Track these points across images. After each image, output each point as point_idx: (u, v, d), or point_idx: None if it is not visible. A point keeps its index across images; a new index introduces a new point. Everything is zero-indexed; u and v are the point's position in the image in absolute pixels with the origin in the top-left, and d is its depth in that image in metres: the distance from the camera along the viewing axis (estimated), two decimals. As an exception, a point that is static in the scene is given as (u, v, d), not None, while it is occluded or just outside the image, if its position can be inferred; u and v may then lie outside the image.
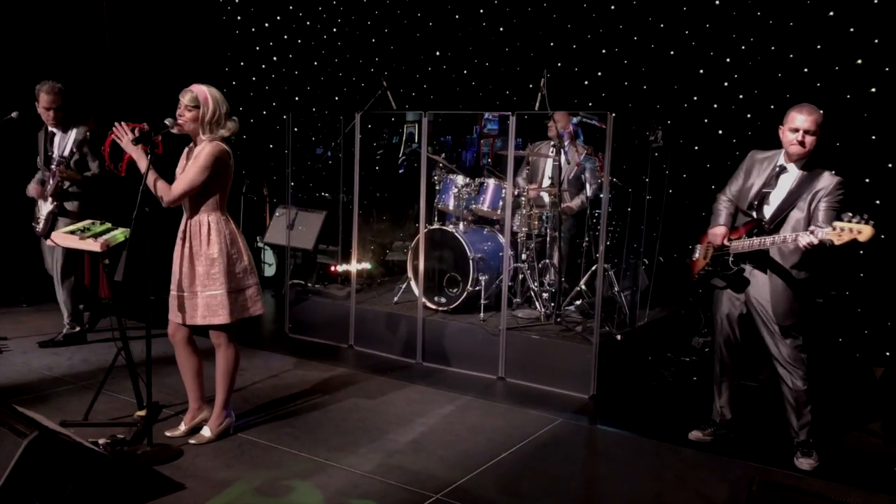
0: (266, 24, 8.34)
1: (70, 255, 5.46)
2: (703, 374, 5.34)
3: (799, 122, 3.68)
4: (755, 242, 3.72)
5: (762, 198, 3.83)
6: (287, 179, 6.27)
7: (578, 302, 5.74)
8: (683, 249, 6.58)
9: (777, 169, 3.83)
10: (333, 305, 6.09)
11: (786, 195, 3.76)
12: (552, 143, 5.73)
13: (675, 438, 4.17)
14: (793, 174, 3.78)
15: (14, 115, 5.31)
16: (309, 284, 6.62)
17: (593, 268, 5.67)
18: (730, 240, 3.88)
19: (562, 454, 3.96)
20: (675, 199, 6.43)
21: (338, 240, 6.78)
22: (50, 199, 5.35)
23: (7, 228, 6.80)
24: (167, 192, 3.63)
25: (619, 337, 5.22)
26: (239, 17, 8.41)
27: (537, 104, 5.35)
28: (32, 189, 5.47)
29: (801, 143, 3.68)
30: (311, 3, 8.09)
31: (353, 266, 5.99)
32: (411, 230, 7.52)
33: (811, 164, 3.75)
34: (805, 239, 3.44)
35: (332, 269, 6.76)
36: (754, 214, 3.84)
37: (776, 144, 3.89)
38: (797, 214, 3.71)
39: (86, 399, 4.28)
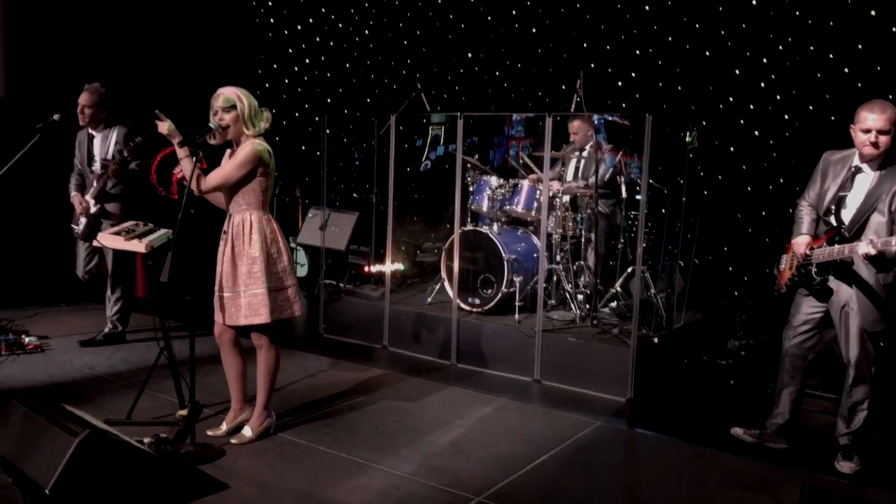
0: (298, 27, 8.40)
1: (121, 257, 5.52)
2: (740, 377, 5.29)
3: (871, 122, 3.50)
4: (835, 251, 3.58)
5: (839, 202, 3.68)
6: (322, 181, 6.30)
7: (614, 304, 5.71)
8: (719, 251, 6.57)
9: (853, 170, 3.66)
10: (367, 306, 6.12)
11: (864, 198, 3.59)
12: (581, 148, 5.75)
13: (716, 443, 4.13)
14: (869, 175, 3.61)
15: (56, 117, 5.37)
16: (341, 285, 6.65)
17: (629, 269, 5.64)
18: (812, 248, 3.74)
19: (602, 457, 3.94)
20: (710, 200, 6.37)
21: (369, 241, 6.81)
22: (93, 202, 5.41)
23: (46, 229, 6.91)
24: (202, 182, 3.67)
25: (656, 340, 5.18)
26: (272, 20, 8.48)
27: (573, 106, 5.33)
28: (75, 199, 5.53)
29: (875, 145, 3.51)
30: (344, 6, 8.13)
31: (388, 266, 6.00)
32: (443, 232, 7.53)
33: (888, 162, 3.57)
34: (863, 250, 3.34)
35: (366, 269, 6.78)
36: (832, 220, 3.69)
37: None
38: (878, 218, 3.55)
39: (127, 398, 4.34)
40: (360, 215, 7.08)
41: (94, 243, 3.88)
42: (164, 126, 3.65)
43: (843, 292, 3.70)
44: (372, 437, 4.07)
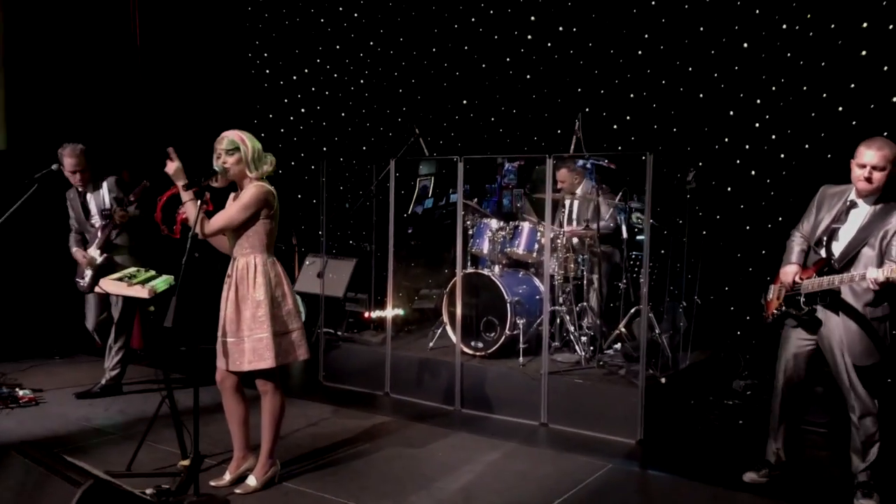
0: (294, 77, 8.48)
1: (128, 307, 5.46)
2: (748, 417, 5.22)
3: (867, 158, 3.55)
4: (824, 281, 3.59)
5: (831, 234, 3.70)
6: (322, 226, 6.28)
7: (618, 345, 5.65)
8: (720, 291, 6.55)
9: (848, 204, 3.70)
10: (367, 352, 6.04)
11: (856, 232, 3.62)
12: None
13: (730, 483, 4.04)
14: (864, 210, 3.65)
15: (54, 167, 5.38)
16: (339, 333, 6.58)
17: (632, 310, 5.61)
18: (801, 279, 3.75)
19: (617, 500, 3.85)
20: (710, 240, 6.38)
21: (366, 288, 6.76)
22: (98, 253, 5.36)
23: (40, 282, 6.83)
24: (206, 225, 3.63)
25: (663, 380, 5.12)
26: (267, 71, 8.57)
27: (572, 147, 5.36)
28: (78, 254, 5.48)
29: (868, 180, 3.55)
30: (339, 56, 8.23)
31: (389, 312, 5.94)
32: (440, 277, 7.50)
33: (883, 199, 3.62)
34: (873, 275, 3.35)
35: (366, 315, 6.71)
36: (822, 252, 3.72)
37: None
38: (868, 252, 3.57)
39: (126, 449, 4.23)
40: (358, 262, 7.04)
41: (97, 289, 3.82)
42: (173, 166, 3.62)
43: (832, 322, 3.70)
44: (379, 484, 3.96)
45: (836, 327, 3.68)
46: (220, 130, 3.78)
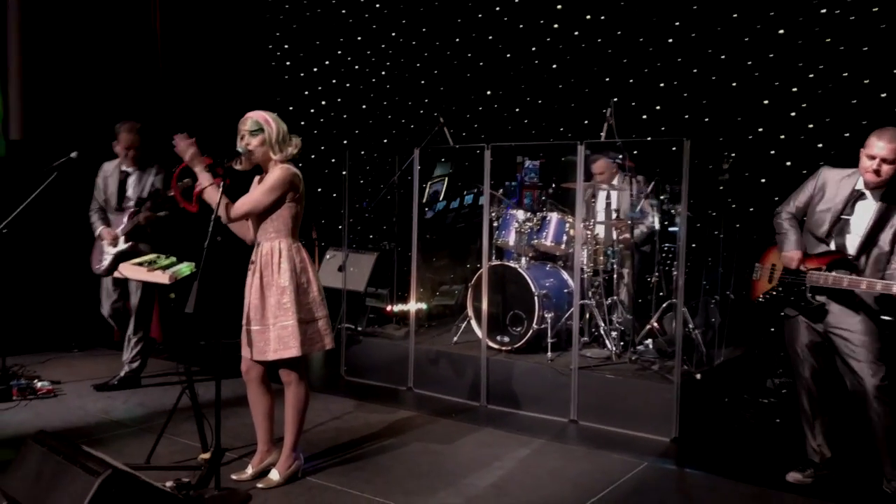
0: (314, 69, 8.37)
1: (148, 296, 5.35)
2: (784, 415, 5.02)
3: (877, 150, 3.40)
4: (843, 281, 3.44)
5: (842, 225, 3.56)
6: (344, 219, 6.14)
7: (649, 341, 5.47)
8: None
9: (855, 194, 3.55)
10: (390, 346, 5.90)
11: (870, 227, 3.49)
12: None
13: (772, 483, 3.86)
14: (871, 203, 3.52)
15: (73, 154, 5.29)
16: (359, 328, 6.44)
17: (664, 304, 5.43)
18: (805, 268, 3.60)
19: (655, 499, 3.68)
20: (742, 233, 6.18)
21: (387, 282, 6.63)
22: (123, 239, 5.24)
23: (58, 274, 6.75)
24: (230, 209, 3.50)
25: (698, 376, 4.94)
26: (288, 63, 8.46)
27: (603, 134, 5.19)
28: (106, 233, 5.34)
29: (877, 172, 3.41)
30: (360, 48, 8.10)
31: (412, 306, 5.80)
32: (462, 272, 7.35)
33: (890, 192, 3.48)
34: None
35: (388, 309, 6.58)
36: (831, 244, 3.58)
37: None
38: (876, 251, 3.47)
39: (145, 442, 4.11)
40: (379, 255, 6.91)
41: (116, 274, 3.70)
42: (188, 153, 3.47)
43: (839, 313, 3.56)
44: (406, 480, 3.81)
45: (846, 317, 3.54)
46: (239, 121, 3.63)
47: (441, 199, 7.78)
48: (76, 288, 6.74)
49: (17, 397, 5.01)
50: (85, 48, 6.99)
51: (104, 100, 7.03)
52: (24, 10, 6.81)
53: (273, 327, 3.52)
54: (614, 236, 5.46)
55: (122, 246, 5.25)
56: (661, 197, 5.39)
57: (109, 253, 5.29)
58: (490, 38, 7.34)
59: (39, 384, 5.20)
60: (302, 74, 8.43)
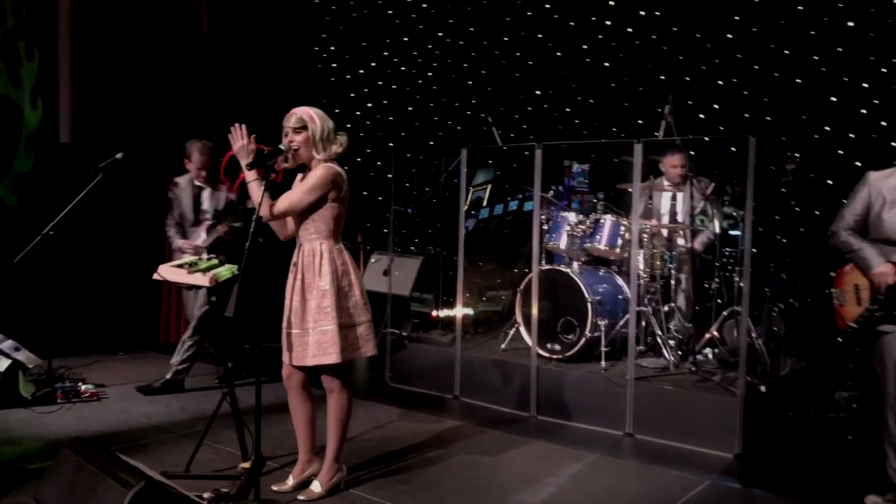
0: (360, 71, 8.27)
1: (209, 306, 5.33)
2: (857, 432, 4.69)
3: None
4: None
5: None
6: (390, 222, 6.00)
7: (707, 350, 5.19)
8: (818, 294, 6.00)
9: None
10: (435, 353, 5.72)
11: None
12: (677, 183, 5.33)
13: (849, 506, 3.57)
14: None
15: (119, 156, 5.24)
16: (404, 333, 6.29)
17: (724, 312, 5.14)
18: None
19: (720, 522, 3.42)
20: (807, 238, 5.85)
21: (432, 287, 6.46)
22: (205, 252, 5.16)
23: (105, 276, 6.74)
24: (270, 208, 3.37)
25: (763, 389, 4.65)
26: (334, 65, 8.37)
27: (661, 132, 4.95)
28: (186, 245, 5.29)
29: None
30: (407, 48, 7.98)
31: (459, 311, 5.61)
32: (510, 276, 7.15)
33: None
34: None
35: (433, 314, 6.41)
36: None
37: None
38: None
39: (185, 448, 4.01)
40: (424, 259, 6.75)
41: (155, 276, 3.59)
42: (238, 143, 3.36)
43: None
44: (454, 495, 3.62)
45: None
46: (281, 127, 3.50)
47: (484, 205, 7.61)
48: (123, 291, 6.74)
49: (62, 400, 4.97)
50: (134, 50, 6.99)
51: (153, 101, 7.02)
52: (76, 12, 6.85)
53: (313, 332, 3.37)
54: (678, 241, 5.19)
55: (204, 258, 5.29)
56: (724, 198, 5.11)
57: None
58: (540, 36, 7.14)
59: (83, 387, 5.16)
60: (348, 76, 8.34)
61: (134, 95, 6.96)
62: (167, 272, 3.55)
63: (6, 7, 6.44)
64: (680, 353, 5.07)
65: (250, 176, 3.35)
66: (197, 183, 5.43)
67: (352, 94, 8.34)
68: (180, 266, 3.58)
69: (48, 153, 6.65)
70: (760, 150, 5.45)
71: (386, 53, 8.11)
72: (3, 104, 6.49)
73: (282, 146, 3.38)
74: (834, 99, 5.76)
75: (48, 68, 6.66)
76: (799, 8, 5.81)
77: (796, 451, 4.47)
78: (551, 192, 5.94)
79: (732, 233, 5.37)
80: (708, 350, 5.19)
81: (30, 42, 6.61)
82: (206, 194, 5.41)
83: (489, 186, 7.56)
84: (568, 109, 7.07)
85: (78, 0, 6.85)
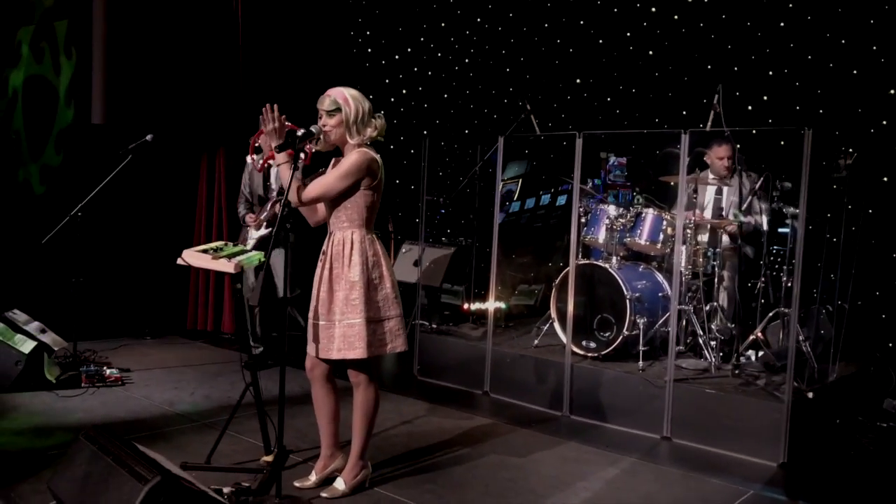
0: (396, 57, 8.10)
1: (267, 285, 5.35)
2: (909, 444, 4.45)
3: None
4: None
5: None
6: (422, 212, 5.83)
7: (750, 352, 4.96)
8: (870, 296, 5.73)
9: None
10: (465, 347, 5.56)
11: None
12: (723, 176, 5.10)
13: (904, 525, 3.35)
14: None
15: (148, 137, 5.18)
16: (433, 325, 6.14)
17: (770, 314, 4.91)
18: None
19: (766, 537, 3.22)
20: (859, 237, 5.57)
21: (463, 279, 6.30)
22: (264, 225, 5.44)
23: (134, 257, 6.69)
24: (300, 193, 3.23)
25: (810, 395, 4.42)
26: (369, 50, 8.22)
27: (709, 122, 4.71)
28: (249, 218, 5.57)
29: None
30: (444, 34, 7.79)
31: (491, 304, 5.44)
32: (544, 270, 6.96)
33: None
34: None
35: (464, 307, 6.24)
36: None
37: None
38: None
39: (207, 438, 3.91)
40: (456, 251, 6.58)
41: (179, 261, 3.48)
42: (270, 125, 3.22)
43: None
44: (483, 498, 3.47)
45: None
46: (317, 111, 3.34)
47: (515, 199, 7.42)
48: (151, 274, 6.69)
49: (86, 384, 4.91)
50: (167, 30, 6.90)
51: (185, 82, 6.93)
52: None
53: (339, 324, 3.23)
54: (723, 237, 4.96)
55: (263, 231, 5.44)
56: (773, 193, 4.86)
57: (252, 237, 5.48)
58: (581, 22, 6.90)
59: (108, 371, 5.10)
60: (383, 62, 8.18)
61: (166, 76, 6.88)
62: (191, 257, 3.43)
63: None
64: (721, 354, 4.85)
65: (280, 158, 3.22)
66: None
67: (386, 80, 8.18)
68: (205, 251, 3.46)
69: (79, 140, 6.60)
70: (813, 144, 5.19)
71: (422, 39, 7.93)
72: (42, 86, 6.46)
73: (313, 128, 3.23)
74: (893, 91, 5.46)
75: (84, 65, 6.59)
76: (858, -5, 5.52)
77: (844, 461, 4.24)
78: (589, 184, 5.73)
79: (781, 230, 5.12)
80: (751, 352, 4.97)
81: (70, 32, 6.54)
82: (274, 172, 5.39)
83: (520, 180, 7.37)
84: (609, 99, 6.83)
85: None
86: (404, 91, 8.11)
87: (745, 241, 5.12)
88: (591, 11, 6.83)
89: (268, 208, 5.48)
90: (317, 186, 3.23)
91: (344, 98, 3.27)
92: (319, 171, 3.50)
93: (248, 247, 5.42)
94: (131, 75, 6.72)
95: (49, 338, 5.06)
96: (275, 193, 5.48)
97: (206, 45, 7.05)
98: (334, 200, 3.27)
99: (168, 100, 6.82)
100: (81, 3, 6.55)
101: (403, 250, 6.99)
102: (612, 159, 6.77)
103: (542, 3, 7.09)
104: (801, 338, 4.77)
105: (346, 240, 3.26)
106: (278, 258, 5.21)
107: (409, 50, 8.04)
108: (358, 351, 3.23)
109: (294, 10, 7.71)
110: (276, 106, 3.22)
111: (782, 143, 5.86)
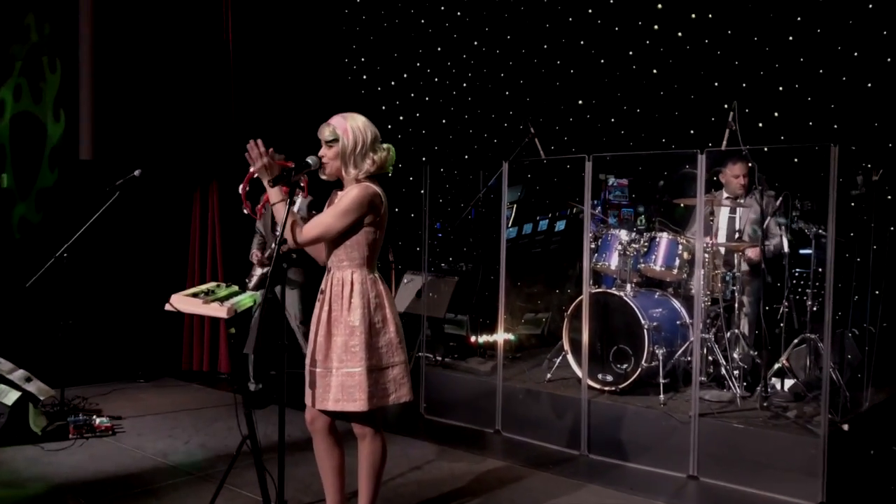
0: (392, 83, 7.92)
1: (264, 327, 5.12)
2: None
3: None
4: None
5: None
6: (424, 241, 5.59)
7: (773, 381, 4.69)
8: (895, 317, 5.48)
9: None
10: (474, 382, 5.30)
11: None
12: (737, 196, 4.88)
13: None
14: None
15: (136, 173, 4.96)
16: (438, 358, 5.88)
17: (795, 340, 4.65)
18: None
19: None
20: (882, 256, 5.33)
21: (466, 308, 6.05)
22: (266, 263, 5.37)
23: (125, 297, 6.42)
24: (297, 233, 2.98)
25: (846, 427, 4.15)
26: (364, 77, 8.03)
27: (724, 141, 4.50)
28: (254, 255, 5.55)
29: None
30: (440, 59, 7.61)
31: (500, 336, 5.18)
32: (550, 298, 6.73)
33: None
34: None
35: (471, 340, 5.98)
36: None
37: None
38: None
39: (203, 494, 3.64)
40: (459, 280, 6.34)
41: (167, 307, 3.23)
42: (259, 163, 2.96)
43: None
44: (503, 554, 3.19)
45: None
46: (314, 141, 3.10)
47: (510, 225, 7.21)
48: (143, 314, 6.41)
49: (74, 435, 4.63)
50: (156, 65, 6.71)
51: (175, 117, 6.73)
52: (97, 27, 6.59)
53: (336, 373, 2.96)
54: (738, 261, 4.73)
55: (262, 270, 5.41)
56: (793, 214, 4.63)
57: (255, 274, 5.48)
58: (582, 42, 6.73)
59: (98, 420, 4.81)
60: (379, 88, 7.99)
61: (156, 111, 6.67)
62: (180, 302, 3.17)
63: (30, 24, 6.21)
64: (745, 384, 4.59)
65: (273, 196, 2.97)
66: None
67: (383, 107, 7.99)
68: (195, 295, 3.21)
69: (70, 168, 6.38)
70: (828, 160, 4.97)
71: (419, 64, 7.75)
72: (25, 121, 6.24)
73: (310, 160, 2.99)
74: (911, 104, 5.27)
75: (70, 79, 6.40)
76: (869, 6, 5.34)
77: (885, 498, 3.96)
78: (598, 208, 5.52)
79: (803, 251, 4.89)
80: (775, 380, 4.71)
81: (52, 55, 6.36)
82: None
83: (515, 206, 7.18)
84: (613, 120, 6.64)
85: (100, 15, 6.59)
86: (402, 117, 7.92)
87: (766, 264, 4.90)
88: (592, 31, 6.66)
89: (273, 245, 5.27)
90: (315, 226, 2.98)
91: (344, 129, 3.03)
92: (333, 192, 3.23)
93: (251, 283, 5.42)
94: (120, 109, 6.52)
95: (34, 386, 4.78)
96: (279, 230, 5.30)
97: (197, 76, 6.86)
98: (335, 239, 3.02)
99: (159, 133, 6.62)
100: (68, 35, 6.36)
101: (405, 280, 6.74)
102: (612, 180, 6.57)
103: (540, 24, 6.93)
104: (831, 365, 4.52)
105: (346, 280, 3.01)
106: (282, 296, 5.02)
107: (405, 75, 7.86)
108: (358, 403, 2.95)
109: (287, 39, 7.53)
110: (260, 140, 2.97)
111: (796, 160, 5.66)
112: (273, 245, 5.24)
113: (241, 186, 3.14)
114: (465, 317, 6.32)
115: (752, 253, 4.83)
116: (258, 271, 5.49)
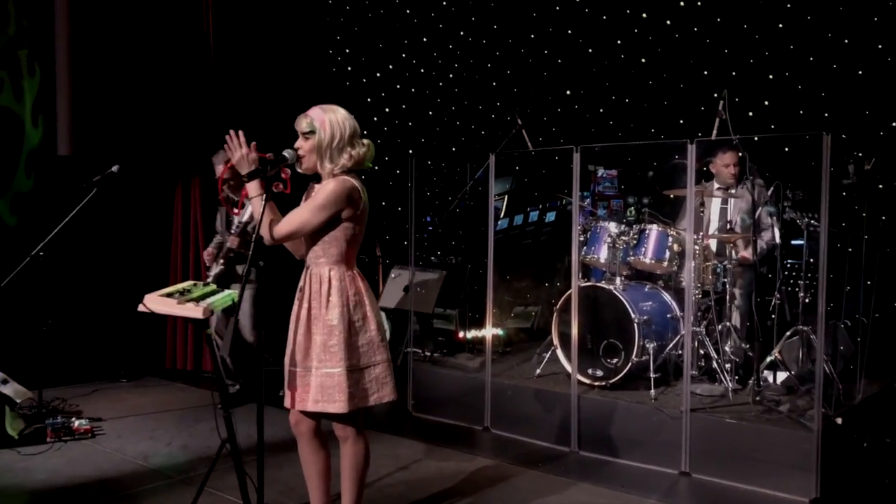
0: (378, 74, 7.79)
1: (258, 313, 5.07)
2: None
3: None
4: None
5: None
6: (410, 235, 5.49)
7: (766, 374, 4.63)
8: (888, 308, 5.43)
9: None
10: (462, 378, 5.21)
11: None
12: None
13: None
14: None
15: (114, 168, 4.80)
16: (426, 353, 5.79)
17: (787, 332, 4.59)
18: None
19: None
20: (873, 246, 5.27)
21: (455, 302, 5.97)
22: (221, 262, 5.13)
23: (107, 297, 6.29)
24: (273, 228, 2.87)
25: (839, 420, 4.08)
26: (349, 68, 7.91)
27: (715, 130, 4.41)
28: (204, 254, 5.40)
29: None
30: (426, 49, 7.49)
31: (489, 331, 5.09)
32: (539, 291, 6.65)
33: None
34: None
35: (460, 335, 5.89)
36: None
37: None
38: None
39: (183, 498, 3.55)
40: (447, 275, 6.25)
41: (140, 308, 3.11)
42: (237, 154, 2.85)
43: None
44: (491, 557, 3.11)
45: None
46: (296, 134, 2.99)
47: (502, 216, 7.13)
48: (126, 312, 6.27)
49: (52, 439, 4.51)
50: (135, 59, 6.56)
51: (155, 112, 6.59)
52: (74, 21, 6.43)
53: (315, 373, 2.86)
54: (729, 252, 4.65)
55: (216, 269, 5.15)
56: (784, 204, 4.56)
57: (210, 274, 5.24)
58: (569, 32, 6.63)
59: (77, 423, 4.68)
60: (364, 80, 7.86)
61: (135, 106, 6.53)
62: (154, 303, 3.05)
63: (9, 13, 6.04)
64: (737, 377, 4.53)
65: (251, 189, 2.86)
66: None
67: (368, 99, 7.87)
68: (170, 295, 3.09)
69: (48, 167, 6.23)
70: (818, 149, 4.89)
71: (404, 55, 7.63)
72: (5, 116, 6.08)
73: (286, 153, 2.88)
74: (902, 92, 5.20)
75: (49, 83, 6.24)
76: (859, -8, 5.27)
77: (879, 492, 3.90)
78: (587, 199, 5.43)
79: (794, 242, 4.82)
80: (767, 373, 4.64)
81: (31, 54, 6.19)
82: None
83: (506, 197, 7.10)
84: (601, 110, 6.55)
85: (76, 9, 6.44)
86: (387, 109, 7.80)
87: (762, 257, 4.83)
88: (579, 20, 6.56)
89: (225, 244, 5.18)
90: (290, 221, 2.86)
91: (322, 121, 2.92)
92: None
93: (210, 278, 5.21)
94: (99, 103, 6.37)
95: (11, 389, 4.65)
96: (234, 228, 5.14)
97: (178, 67, 6.71)
98: (312, 234, 2.91)
99: (139, 127, 6.48)
100: (44, 31, 6.20)
101: (392, 275, 6.65)
102: (601, 171, 6.48)
103: (527, 13, 6.82)
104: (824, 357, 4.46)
105: (324, 278, 2.90)
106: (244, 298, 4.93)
107: (390, 67, 7.74)
108: (338, 404, 2.85)
109: (270, 30, 7.39)
110: (241, 132, 2.86)
111: (787, 149, 5.59)
112: (227, 244, 5.13)
113: (218, 176, 3.02)
114: (454, 311, 6.24)
115: (746, 254, 4.75)
116: (213, 270, 5.26)
